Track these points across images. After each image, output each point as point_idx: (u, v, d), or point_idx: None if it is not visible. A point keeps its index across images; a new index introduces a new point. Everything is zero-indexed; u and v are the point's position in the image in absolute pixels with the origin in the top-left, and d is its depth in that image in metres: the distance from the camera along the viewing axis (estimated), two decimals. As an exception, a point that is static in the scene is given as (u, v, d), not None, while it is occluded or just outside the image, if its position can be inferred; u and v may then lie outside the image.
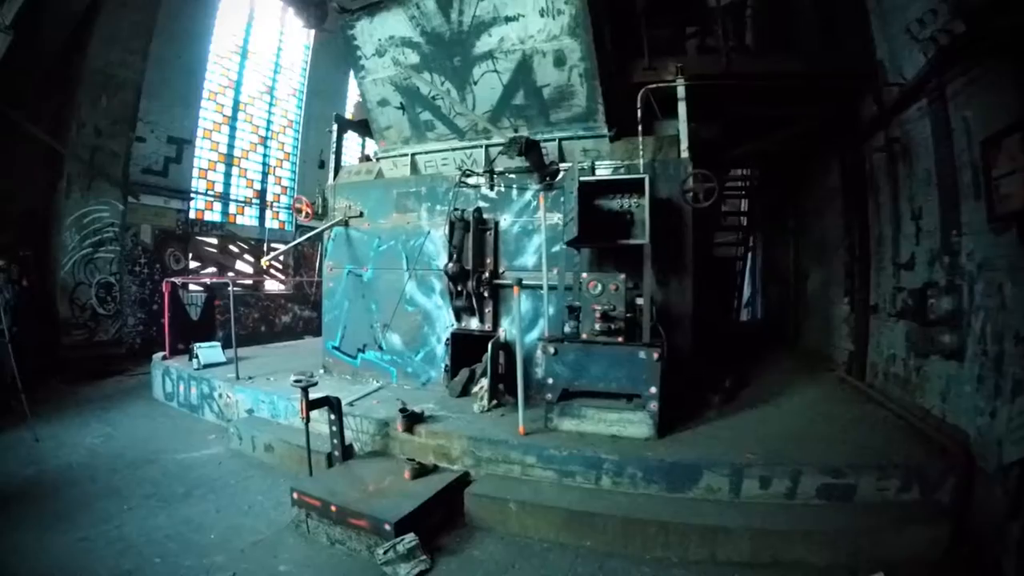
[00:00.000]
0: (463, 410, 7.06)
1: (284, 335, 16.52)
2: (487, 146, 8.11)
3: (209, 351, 9.75)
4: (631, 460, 5.44)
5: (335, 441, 6.24)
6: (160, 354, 10.42)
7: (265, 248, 17.08)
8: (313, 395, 5.98)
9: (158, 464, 6.95)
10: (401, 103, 8.30)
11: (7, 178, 11.11)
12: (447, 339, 8.11)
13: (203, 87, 14.86)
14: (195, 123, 14.77)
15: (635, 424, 5.97)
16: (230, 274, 16.02)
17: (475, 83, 7.64)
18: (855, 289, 8.33)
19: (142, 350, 13.10)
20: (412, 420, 6.50)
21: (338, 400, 6.20)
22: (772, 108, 8.54)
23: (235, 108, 15.91)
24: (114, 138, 12.71)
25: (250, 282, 16.79)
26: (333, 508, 5.12)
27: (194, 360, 9.59)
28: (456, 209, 7.76)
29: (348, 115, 19.13)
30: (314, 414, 6.13)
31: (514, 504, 5.29)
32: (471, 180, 8.02)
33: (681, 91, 7.11)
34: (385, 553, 4.63)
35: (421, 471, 5.79)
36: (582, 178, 6.62)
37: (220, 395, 8.65)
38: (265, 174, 17.11)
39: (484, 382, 7.35)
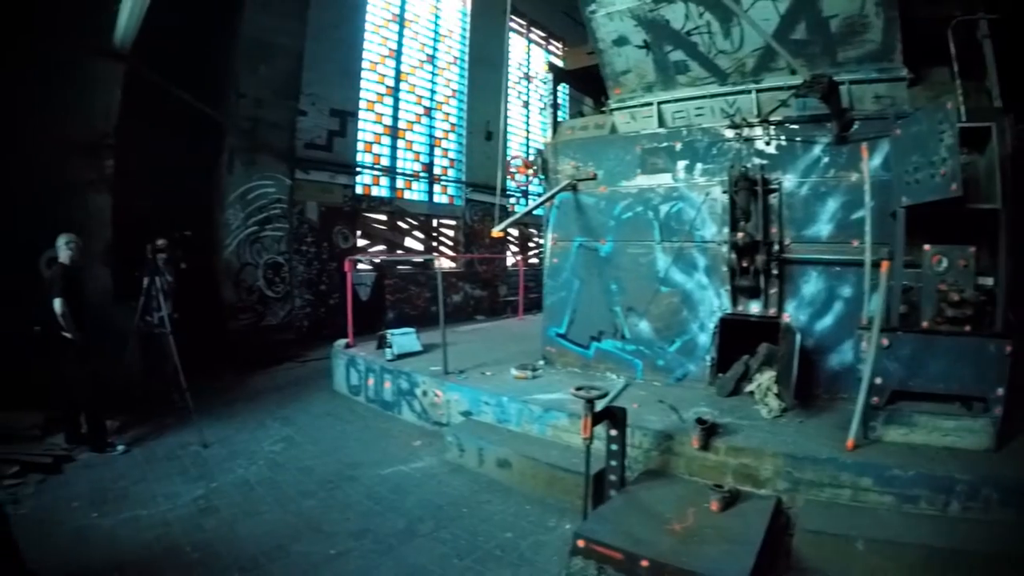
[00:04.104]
0: (749, 415, 5.75)
1: (454, 316, 15.37)
2: (757, 91, 6.60)
3: (403, 339, 8.67)
4: (987, 480, 4.33)
5: (612, 463, 4.87)
6: (342, 341, 9.45)
7: (435, 224, 16.26)
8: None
9: (360, 482, 5.65)
10: (645, 40, 6.82)
11: (161, 153, 9.81)
12: (715, 326, 6.68)
13: (362, 56, 13.98)
14: (357, 94, 13.84)
15: (975, 433, 4.86)
16: (399, 252, 15.21)
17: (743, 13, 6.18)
18: None
19: (310, 334, 12.42)
20: (710, 433, 5.11)
21: (623, 412, 4.79)
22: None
23: (397, 78, 14.95)
24: (276, 109, 11.76)
25: (420, 260, 15.82)
26: (644, 563, 3.76)
27: (386, 349, 8.50)
28: (733, 165, 6.37)
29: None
30: (564, 422, 5.47)
31: (862, 542, 4.10)
32: (743, 132, 6.53)
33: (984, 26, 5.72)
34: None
35: (730, 500, 4.49)
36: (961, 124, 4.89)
37: (424, 392, 7.47)
38: (431, 146, 16.18)
39: (761, 379, 6.10)
